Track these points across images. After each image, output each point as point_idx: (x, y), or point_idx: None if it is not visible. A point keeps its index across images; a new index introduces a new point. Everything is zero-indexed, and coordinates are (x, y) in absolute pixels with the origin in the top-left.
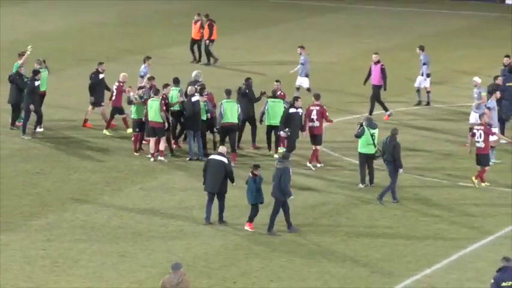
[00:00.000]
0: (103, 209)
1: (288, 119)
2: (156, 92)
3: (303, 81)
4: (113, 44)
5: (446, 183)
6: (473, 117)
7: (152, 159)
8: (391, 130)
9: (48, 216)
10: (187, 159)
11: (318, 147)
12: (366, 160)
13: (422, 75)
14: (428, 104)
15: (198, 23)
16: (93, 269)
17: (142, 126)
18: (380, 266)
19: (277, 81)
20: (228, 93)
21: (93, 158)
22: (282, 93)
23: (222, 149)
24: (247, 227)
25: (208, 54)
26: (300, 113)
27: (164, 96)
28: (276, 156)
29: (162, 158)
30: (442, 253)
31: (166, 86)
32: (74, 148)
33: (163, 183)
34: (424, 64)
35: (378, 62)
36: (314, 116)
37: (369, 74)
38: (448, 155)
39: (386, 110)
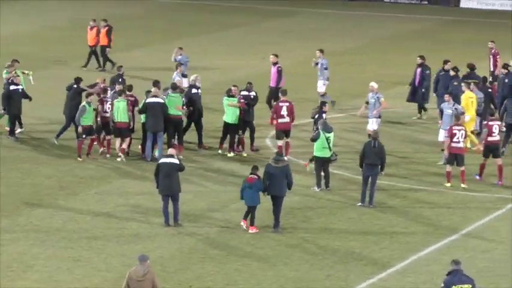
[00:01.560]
0: (58, 214)
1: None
2: (121, 93)
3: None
4: (63, 48)
5: (402, 186)
6: (373, 123)
7: (119, 159)
8: (372, 134)
9: (2, 221)
10: (149, 159)
11: (289, 140)
12: (322, 163)
13: (325, 79)
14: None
15: (94, 29)
16: (48, 274)
17: (91, 131)
18: (336, 269)
19: (248, 82)
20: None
21: (48, 163)
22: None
23: (171, 150)
24: (251, 230)
25: (106, 59)
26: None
27: (134, 98)
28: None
29: (121, 158)
30: (398, 256)
31: (148, 92)
32: (29, 152)
33: (119, 187)
34: (325, 69)
35: (276, 63)
36: (284, 112)
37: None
38: (403, 158)
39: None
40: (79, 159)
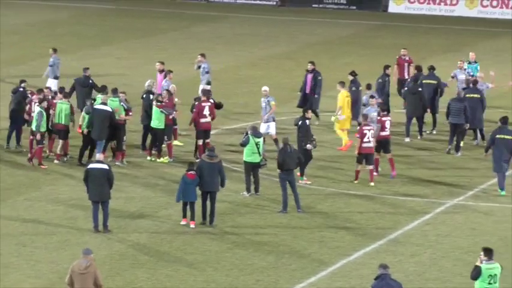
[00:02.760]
0: None
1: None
2: (66, 95)
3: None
4: None
5: (331, 191)
6: (264, 128)
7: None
8: (283, 139)
9: None
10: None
11: (208, 140)
12: (252, 169)
13: (204, 83)
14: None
15: None
16: None
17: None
18: (265, 274)
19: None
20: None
21: None
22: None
23: (100, 156)
24: (192, 225)
25: None
26: None
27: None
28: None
29: (57, 161)
30: (327, 261)
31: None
32: None
33: (48, 193)
34: (207, 72)
35: (162, 70)
36: (206, 112)
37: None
38: (332, 162)
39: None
40: (43, 167)
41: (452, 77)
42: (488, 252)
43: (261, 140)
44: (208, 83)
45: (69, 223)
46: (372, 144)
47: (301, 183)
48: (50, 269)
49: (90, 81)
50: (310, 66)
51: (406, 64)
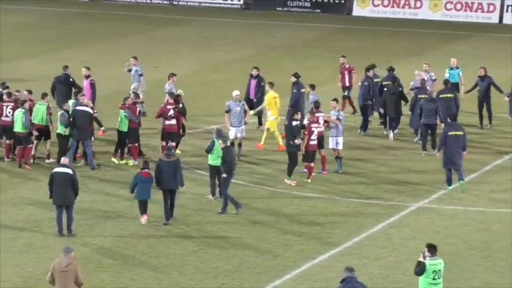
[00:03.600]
0: None
1: None
2: (23, 103)
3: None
4: None
5: (296, 194)
6: (237, 132)
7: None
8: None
9: None
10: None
11: (173, 144)
12: (216, 172)
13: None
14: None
15: None
16: None
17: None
18: (230, 277)
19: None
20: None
21: None
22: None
23: (64, 160)
24: (144, 218)
25: None
26: None
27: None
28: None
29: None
30: (291, 264)
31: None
32: None
33: (12, 197)
34: (140, 75)
35: (88, 76)
36: (171, 114)
37: None
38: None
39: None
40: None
41: (412, 89)
42: (432, 249)
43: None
44: (136, 87)
45: (33, 227)
46: (316, 142)
47: (286, 182)
48: (15, 272)
49: (71, 79)
50: (255, 72)
51: (346, 72)
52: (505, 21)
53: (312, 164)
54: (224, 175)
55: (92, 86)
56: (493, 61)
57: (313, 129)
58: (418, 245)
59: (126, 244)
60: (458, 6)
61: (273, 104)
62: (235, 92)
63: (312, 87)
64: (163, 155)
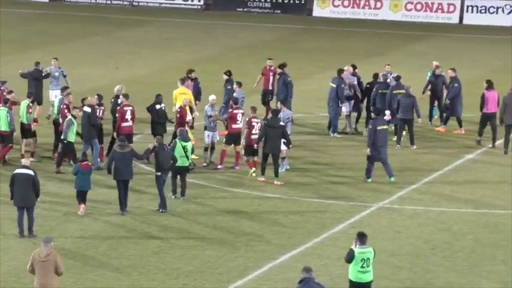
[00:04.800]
0: None
1: None
2: (6, 101)
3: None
4: None
5: (257, 194)
6: (212, 136)
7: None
8: (157, 139)
9: None
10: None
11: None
12: (179, 172)
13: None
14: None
15: None
16: None
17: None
18: (192, 278)
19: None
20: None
21: None
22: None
23: (25, 161)
24: (82, 207)
25: None
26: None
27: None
28: None
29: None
30: (253, 264)
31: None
32: None
33: None
34: (64, 76)
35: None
36: (128, 116)
37: None
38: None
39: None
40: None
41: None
42: (362, 237)
43: (188, 144)
44: (66, 88)
45: None
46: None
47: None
48: None
49: (44, 74)
50: (193, 74)
51: (271, 74)
52: (465, 21)
53: (255, 158)
54: (157, 173)
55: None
56: (453, 62)
57: (253, 123)
58: (379, 245)
59: (87, 245)
60: (419, 6)
61: (180, 100)
62: (212, 97)
63: (239, 84)
64: (117, 145)
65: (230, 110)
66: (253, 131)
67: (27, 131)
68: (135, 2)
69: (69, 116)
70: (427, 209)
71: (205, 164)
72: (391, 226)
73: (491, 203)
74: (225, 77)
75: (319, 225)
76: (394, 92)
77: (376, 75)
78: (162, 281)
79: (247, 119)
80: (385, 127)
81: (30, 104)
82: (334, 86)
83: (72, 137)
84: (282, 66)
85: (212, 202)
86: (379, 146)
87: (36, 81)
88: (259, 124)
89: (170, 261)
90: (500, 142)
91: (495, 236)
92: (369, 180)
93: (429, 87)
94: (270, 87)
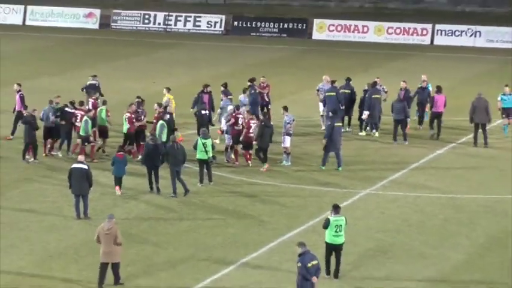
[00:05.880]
0: None
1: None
2: (104, 103)
3: None
4: None
5: (268, 183)
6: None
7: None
8: (171, 139)
9: None
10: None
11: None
12: (202, 164)
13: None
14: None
15: None
16: None
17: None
18: (216, 251)
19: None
20: None
21: None
22: None
23: (81, 157)
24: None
25: None
26: None
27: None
28: None
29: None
30: (265, 240)
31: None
32: None
33: (37, 188)
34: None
35: (19, 91)
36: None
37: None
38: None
39: (13, 133)
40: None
41: (318, 90)
42: (336, 208)
43: (207, 141)
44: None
45: (56, 211)
46: (253, 134)
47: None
48: (42, 248)
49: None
50: (209, 89)
51: (266, 88)
52: (436, 42)
53: (251, 151)
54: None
55: (22, 98)
56: (427, 76)
57: (251, 124)
58: (367, 223)
59: (130, 224)
60: (398, 30)
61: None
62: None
63: (286, 109)
64: (150, 139)
65: (233, 113)
66: (251, 130)
67: (104, 132)
68: (169, 28)
69: (161, 121)
70: (405, 194)
71: (226, 160)
72: (376, 208)
73: (457, 189)
74: (222, 88)
75: (318, 208)
76: (373, 96)
77: (374, 83)
78: (192, 254)
79: (246, 121)
80: (340, 124)
81: (108, 109)
82: (333, 94)
83: (165, 137)
84: (251, 80)
85: (232, 189)
86: (334, 139)
87: (90, 92)
88: (255, 125)
89: (198, 238)
90: (469, 137)
91: (460, 215)
92: (323, 167)
93: (416, 96)
94: (266, 99)
